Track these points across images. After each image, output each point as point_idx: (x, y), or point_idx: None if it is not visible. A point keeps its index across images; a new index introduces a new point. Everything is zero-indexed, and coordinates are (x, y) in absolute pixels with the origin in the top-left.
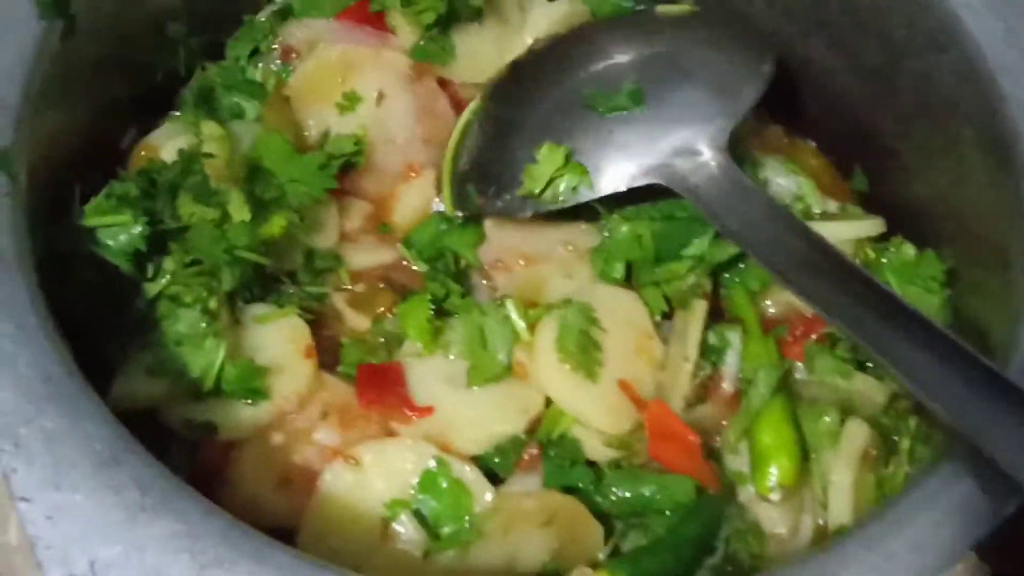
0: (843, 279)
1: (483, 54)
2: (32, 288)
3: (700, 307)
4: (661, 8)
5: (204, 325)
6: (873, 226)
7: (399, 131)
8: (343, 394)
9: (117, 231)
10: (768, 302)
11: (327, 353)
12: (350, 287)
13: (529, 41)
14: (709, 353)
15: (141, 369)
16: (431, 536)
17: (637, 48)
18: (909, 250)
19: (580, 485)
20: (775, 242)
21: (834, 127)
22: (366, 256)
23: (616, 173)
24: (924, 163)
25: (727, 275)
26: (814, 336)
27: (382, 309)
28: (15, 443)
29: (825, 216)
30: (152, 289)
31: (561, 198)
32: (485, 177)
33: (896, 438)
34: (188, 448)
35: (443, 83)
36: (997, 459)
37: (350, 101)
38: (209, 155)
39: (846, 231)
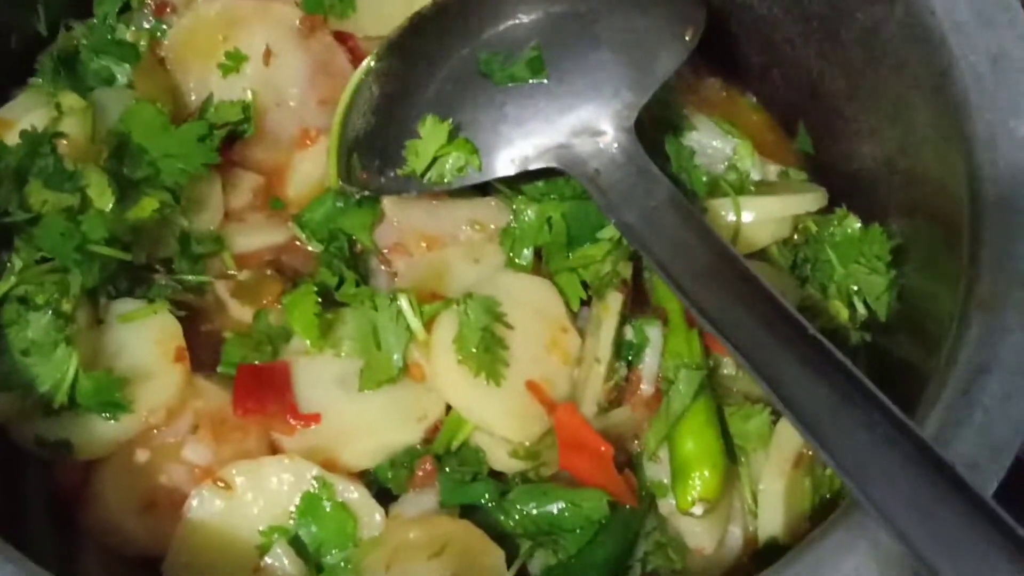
0: (745, 297)
1: (387, 4)
2: None
3: (615, 301)
4: None
5: (56, 331)
6: (813, 200)
7: (291, 92)
8: (218, 402)
9: None
10: None
11: (207, 349)
12: (234, 274)
13: None
14: (626, 350)
15: None
16: (311, 567)
17: (544, 4)
18: (854, 223)
19: (481, 502)
20: (676, 245)
21: (777, 81)
22: (254, 237)
23: (508, 154)
24: (872, 126)
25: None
26: None
27: (269, 299)
28: None
29: (763, 184)
30: None
31: (447, 179)
32: (370, 149)
33: None
34: (44, 467)
35: (342, 37)
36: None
37: (234, 61)
38: (60, 134)
39: (783, 207)
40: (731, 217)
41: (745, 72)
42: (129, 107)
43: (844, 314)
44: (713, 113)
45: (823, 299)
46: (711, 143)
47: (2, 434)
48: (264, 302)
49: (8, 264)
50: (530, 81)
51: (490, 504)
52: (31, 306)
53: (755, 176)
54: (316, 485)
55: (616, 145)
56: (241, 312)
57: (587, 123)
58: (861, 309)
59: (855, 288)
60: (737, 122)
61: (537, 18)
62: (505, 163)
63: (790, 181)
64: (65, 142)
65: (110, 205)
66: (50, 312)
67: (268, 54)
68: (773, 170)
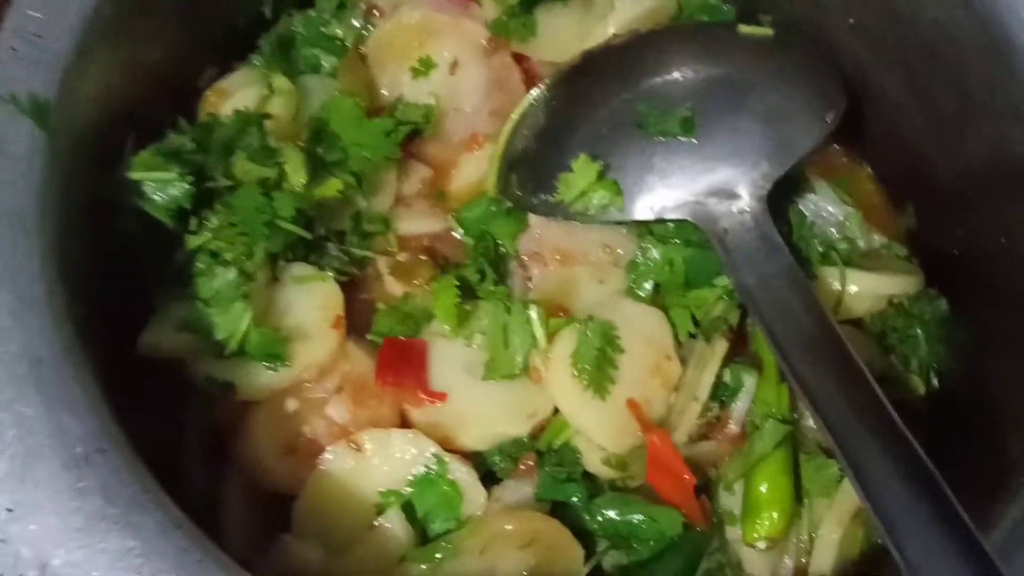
0: (841, 375)
1: (564, 35)
2: (44, 256)
3: (720, 347)
4: (743, 28)
5: (237, 287)
6: (912, 283)
7: (469, 101)
8: (362, 368)
9: (163, 186)
10: None
11: (361, 315)
12: (395, 252)
13: (611, 30)
14: (721, 391)
15: (171, 322)
16: (417, 532)
17: (703, 68)
18: (943, 305)
19: (571, 500)
20: (786, 313)
21: (894, 160)
22: (416, 222)
23: (649, 201)
24: (976, 222)
25: None
26: None
27: (420, 281)
28: None
29: (868, 255)
30: (193, 242)
31: (591, 212)
32: (528, 171)
33: None
34: (208, 401)
35: (519, 58)
36: None
37: (425, 66)
38: (267, 116)
39: (884, 285)
40: (837, 286)
41: (867, 145)
42: (332, 98)
43: (921, 389)
44: (831, 178)
45: (904, 371)
46: (827, 207)
47: (178, 368)
48: (415, 283)
49: (206, 221)
50: (679, 138)
51: (579, 504)
52: (220, 261)
53: (861, 244)
54: (433, 461)
55: (748, 210)
56: (395, 288)
57: (724, 185)
58: (936, 383)
59: (935, 366)
60: (851, 190)
61: (695, 79)
62: (644, 209)
63: (892, 258)
64: (271, 121)
65: (303, 181)
66: (235, 270)
67: (455, 64)
68: (878, 240)
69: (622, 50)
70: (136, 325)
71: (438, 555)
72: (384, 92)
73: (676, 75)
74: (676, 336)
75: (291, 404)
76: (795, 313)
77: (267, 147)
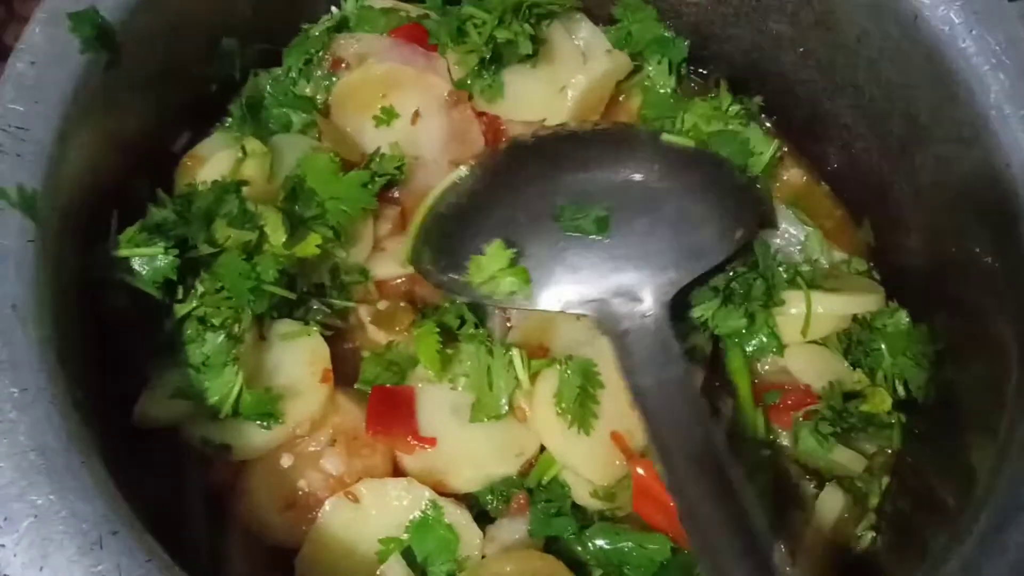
0: (718, 498)
1: (532, 95)
2: (43, 344)
3: (696, 377)
4: (667, 136)
5: (227, 351)
6: (874, 301)
7: (428, 150)
8: (353, 419)
9: (149, 260)
10: (765, 365)
11: (347, 364)
12: (375, 300)
13: (572, 95)
14: None
15: (165, 391)
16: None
17: (624, 171)
18: (903, 318)
19: (563, 534)
20: (675, 421)
21: (851, 178)
22: (392, 266)
23: (556, 293)
24: (932, 241)
25: (728, 336)
26: (804, 409)
27: (401, 327)
28: (5, 517)
29: (831, 274)
30: (181, 310)
31: (496, 297)
32: (440, 249)
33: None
34: (204, 462)
35: (484, 113)
36: None
37: (387, 116)
38: (244, 182)
39: (847, 305)
40: (802, 308)
41: (824, 165)
42: (306, 155)
43: (887, 403)
44: (791, 198)
45: (871, 384)
46: (788, 229)
47: (174, 433)
48: (397, 329)
49: (193, 289)
50: (593, 236)
51: (571, 536)
52: (208, 326)
53: (823, 262)
54: (429, 506)
55: (650, 315)
56: (378, 336)
57: (630, 288)
58: (902, 392)
59: (901, 377)
60: (811, 209)
61: (614, 180)
62: (551, 300)
63: (853, 275)
64: (247, 185)
65: (283, 240)
66: (223, 334)
67: (416, 115)
68: (838, 256)
69: (549, 142)
70: (132, 397)
71: None
72: (358, 143)
73: (597, 174)
74: None
75: (286, 460)
76: (683, 423)
77: (246, 211)
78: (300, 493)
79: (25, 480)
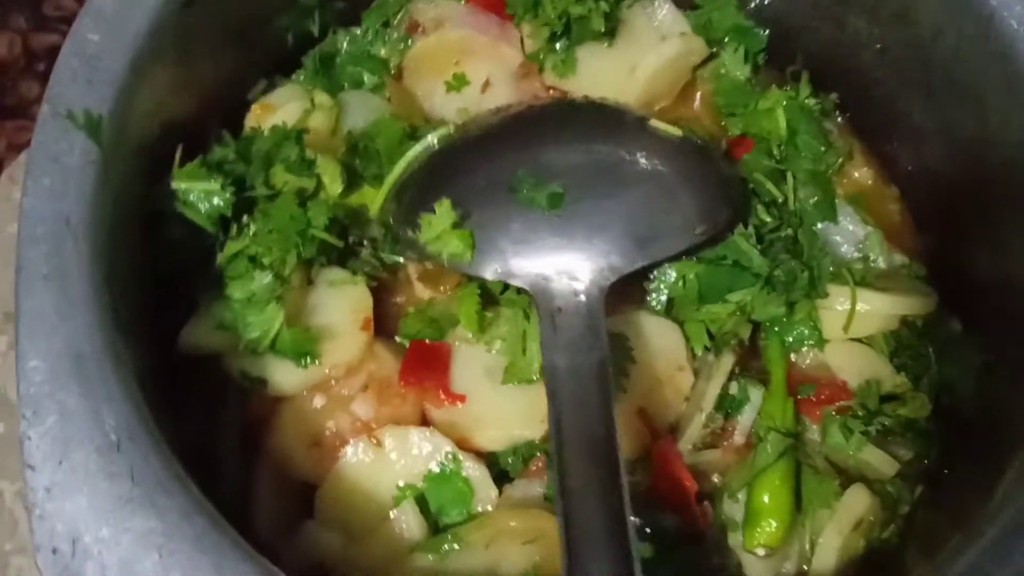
0: (603, 478)
1: (603, 74)
2: (93, 260)
3: (726, 361)
4: (655, 123)
5: (272, 290)
6: (923, 304)
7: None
8: (388, 369)
9: (206, 196)
10: (806, 359)
11: (390, 318)
12: (423, 262)
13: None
14: (728, 403)
15: (210, 322)
16: (430, 524)
17: (595, 150)
18: (955, 326)
19: None
20: (581, 405)
21: (920, 184)
22: None
23: (496, 263)
24: (997, 251)
25: (768, 324)
26: (837, 404)
27: (446, 287)
28: (34, 411)
29: (885, 275)
30: (232, 247)
31: (439, 259)
32: (403, 203)
33: (898, 504)
34: (242, 395)
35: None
36: None
37: (458, 82)
38: (305, 130)
39: (895, 306)
40: (847, 305)
41: (894, 167)
42: (381, 119)
43: (927, 409)
44: (857, 197)
45: (913, 390)
46: (847, 227)
47: (215, 366)
48: (442, 288)
49: (245, 228)
50: (543, 211)
51: None
52: (257, 265)
53: (881, 263)
54: (449, 458)
55: (584, 298)
56: (423, 293)
57: (570, 267)
58: (946, 401)
59: (946, 386)
60: (876, 210)
61: (582, 159)
62: (490, 269)
63: (908, 278)
64: (311, 134)
65: (339, 191)
66: (271, 274)
67: (486, 84)
68: (898, 259)
69: (530, 112)
70: (177, 326)
71: (445, 547)
72: (425, 107)
73: (567, 150)
74: (692, 349)
75: (319, 400)
76: (589, 408)
77: (305, 159)
78: (327, 433)
79: (57, 381)
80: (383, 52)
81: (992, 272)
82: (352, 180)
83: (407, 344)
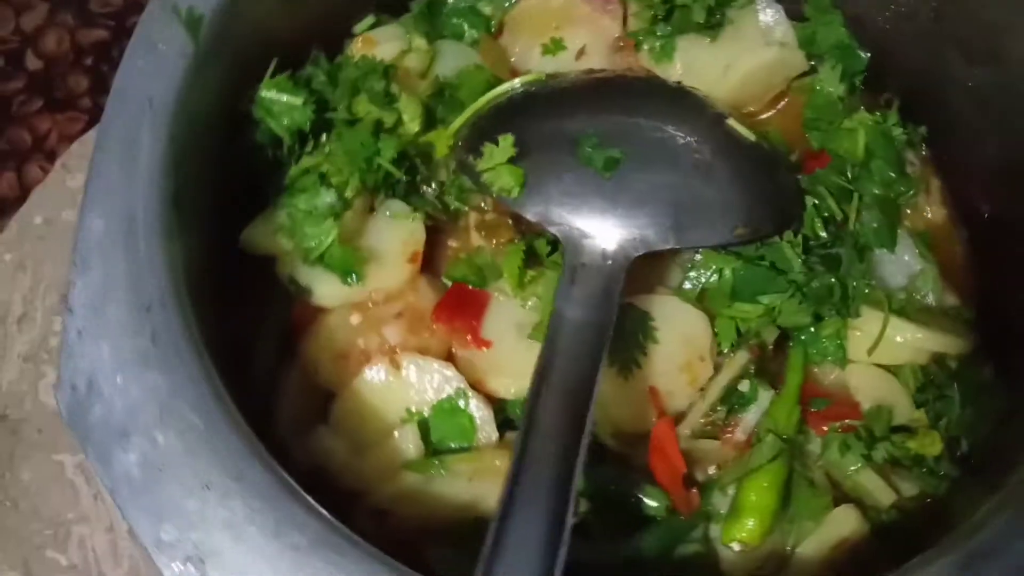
0: (567, 431)
1: (698, 67)
2: (168, 138)
3: (740, 358)
4: (731, 121)
5: (333, 207)
6: (955, 345)
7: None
8: (426, 303)
9: (289, 109)
10: (828, 375)
11: (442, 259)
12: (485, 210)
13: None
14: (736, 399)
15: (272, 225)
16: (428, 451)
17: (664, 129)
18: (987, 373)
19: None
20: (573, 358)
21: (990, 229)
22: None
23: (538, 205)
24: None
25: (795, 332)
26: (844, 422)
27: (499, 241)
28: (84, 261)
29: (927, 309)
30: (307, 163)
31: (493, 188)
32: (474, 130)
33: (889, 534)
34: (288, 300)
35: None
36: None
37: (555, 46)
38: (392, 66)
39: (926, 341)
40: (877, 328)
41: (968, 209)
42: (467, 68)
43: (937, 448)
44: (922, 229)
45: (929, 427)
46: (904, 257)
47: (268, 266)
48: (495, 241)
49: (322, 146)
50: (596, 172)
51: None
52: (325, 183)
53: (931, 299)
54: (460, 393)
55: (610, 262)
56: (478, 241)
57: (605, 229)
58: (964, 447)
59: (966, 432)
60: (940, 247)
61: (645, 136)
62: (532, 211)
63: (951, 318)
64: (401, 73)
65: (416, 130)
66: (335, 193)
67: (581, 52)
68: (950, 300)
69: (617, 80)
70: (237, 227)
71: (432, 471)
72: (515, 62)
73: (637, 123)
74: (719, 344)
75: (355, 318)
76: (578, 363)
77: (389, 93)
78: (356, 349)
79: (109, 239)
80: (488, 10)
81: None
82: (431, 123)
83: (450, 285)
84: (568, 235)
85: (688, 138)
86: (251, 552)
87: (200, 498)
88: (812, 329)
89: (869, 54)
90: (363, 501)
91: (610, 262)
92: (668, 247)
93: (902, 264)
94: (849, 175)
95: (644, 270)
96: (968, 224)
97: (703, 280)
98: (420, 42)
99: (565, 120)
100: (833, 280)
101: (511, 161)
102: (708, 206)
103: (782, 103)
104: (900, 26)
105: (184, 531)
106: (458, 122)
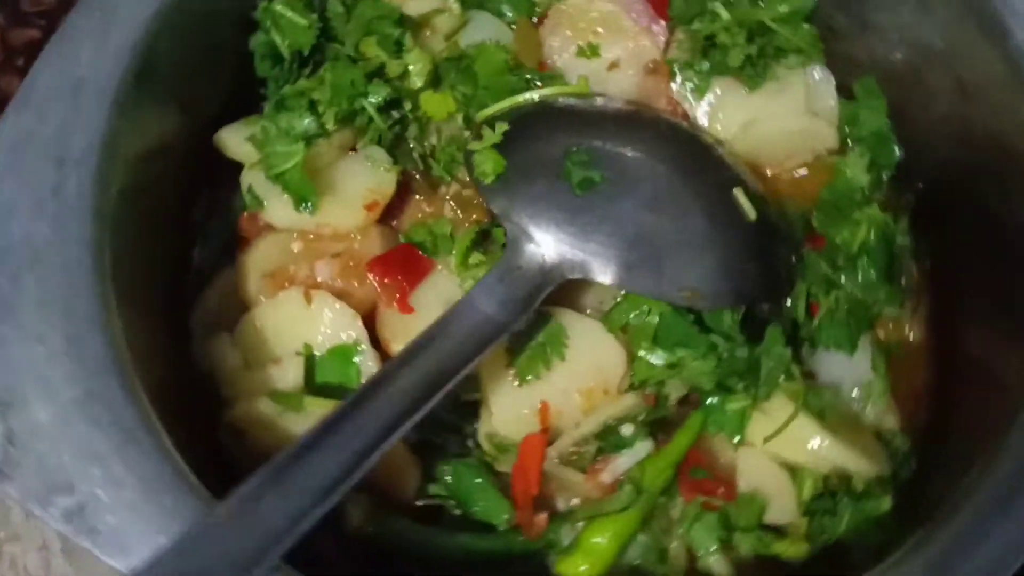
0: (408, 410)
1: (727, 115)
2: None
3: (628, 400)
4: (738, 192)
5: (308, 132)
6: (864, 467)
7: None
8: (369, 252)
9: (293, 27)
10: (722, 449)
11: (406, 216)
12: (466, 186)
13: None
14: (614, 439)
15: (246, 133)
16: (308, 381)
17: (661, 175)
18: (884, 505)
19: (439, 442)
20: (458, 342)
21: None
22: None
23: (503, 199)
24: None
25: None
26: (711, 499)
27: (469, 220)
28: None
29: (865, 426)
30: (302, 85)
31: (475, 170)
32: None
33: None
34: (241, 211)
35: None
36: None
37: (591, 51)
38: (409, 18)
39: (827, 448)
40: (782, 418)
41: (949, 343)
42: (486, 45)
43: (801, 553)
44: (894, 347)
45: (804, 536)
46: (858, 363)
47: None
48: (462, 216)
49: (320, 74)
50: (569, 187)
51: (443, 451)
52: (310, 109)
53: (868, 415)
54: (356, 345)
55: (544, 276)
56: (448, 212)
57: (550, 244)
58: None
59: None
60: (904, 369)
61: (636, 173)
62: (496, 202)
63: (879, 440)
64: (427, 30)
65: (420, 84)
66: (317, 121)
67: (614, 64)
68: (889, 423)
69: (636, 113)
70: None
71: (289, 405)
72: (547, 59)
73: (636, 158)
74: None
75: (296, 244)
76: (459, 351)
77: (400, 43)
78: (284, 273)
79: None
80: None
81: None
82: (436, 85)
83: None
84: (516, 236)
85: (683, 189)
86: None
87: None
88: (718, 398)
89: (902, 150)
90: (225, 415)
91: (543, 275)
92: (605, 282)
93: (853, 369)
94: (837, 264)
95: (579, 286)
96: (944, 356)
97: (630, 315)
98: (454, 5)
99: (565, 132)
100: (748, 356)
101: (497, 148)
102: (664, 258)
103: (802, 171)
104: (938, 128)
105: None
106: (486, 112)
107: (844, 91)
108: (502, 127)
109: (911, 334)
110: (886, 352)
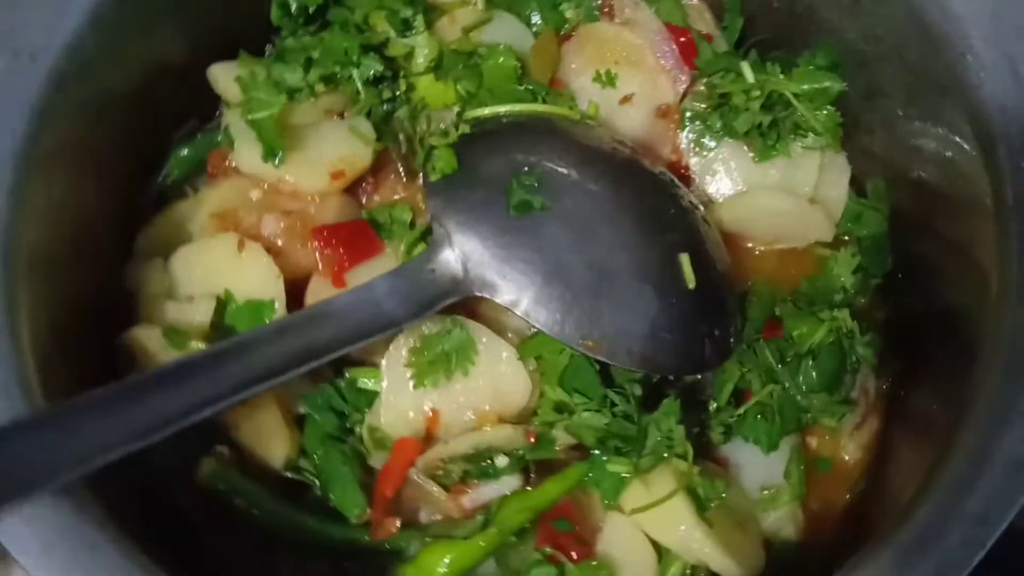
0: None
1: (721, 177)
2: None
3: (507, 431)
4: (684, 258)
5: (293, 86)
6: (728, 570)
7: (615, 128)
8: (322, 218)
9: None
10: (596, 507)
11: (375, 191)
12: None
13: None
14: (484, 467)
15: (237, 72)
16: (211, 329)
17: (609, 219)
18: None
19: (319, 419)
20: (336, 325)
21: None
22: None
23: (442, 199)
24: None
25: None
26: (559, 554)
27: None
28: None
29: (752, 528)
30: (304, 41)
31: (425, 160)
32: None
33: None
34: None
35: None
36: None
37: (607, 80)
38: (433, 7)
39: (699, 545)
40: (659, 494)
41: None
42: (500, 49)
43: None
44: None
45: None
46: (773, 463)
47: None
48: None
49: (322, 38)
50: (506, 205)
51: (323, 430)
52: (305, 65)
53: (770, 518)
54: (273, 303)
55: (452, 286)
56: (419, 199)
57: (472, 258)
58: None
59: None
60: (823, 487)
61: (587, 210)
62: (436, 200)
63: (764, 547)
64: (447, 18)
65: (418, 71)
66: (308, 79)
67: (627, 99)
68: (788, 533)
69: (609, 151)
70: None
71: (175, 341)
72: (561, 77)
73: (596, 195)
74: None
75: (255, 193)
76: (338, 334)
77: (406, 20)
78: (232, 216)
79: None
80: (569, 12)
81: None
82: (438, 72)
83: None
84: (440, 239)
85: (624, 240)
86: None
87: None
88: (603, 457)
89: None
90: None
91: (453, 285)
92: (508, 308)
93: (765, 469)
94: (785, 359)
95: None
96: (873, 487)
97: (545, 349)
98: (483, 4)
99: (531, 151)
100: (638, 422)
101: (457, 149)
102: (576, 302)
103: (790, 255)
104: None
105: None
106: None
107: (856, 184)
108: (464, 128)
109: (846, 452)
110: (813, 462)
